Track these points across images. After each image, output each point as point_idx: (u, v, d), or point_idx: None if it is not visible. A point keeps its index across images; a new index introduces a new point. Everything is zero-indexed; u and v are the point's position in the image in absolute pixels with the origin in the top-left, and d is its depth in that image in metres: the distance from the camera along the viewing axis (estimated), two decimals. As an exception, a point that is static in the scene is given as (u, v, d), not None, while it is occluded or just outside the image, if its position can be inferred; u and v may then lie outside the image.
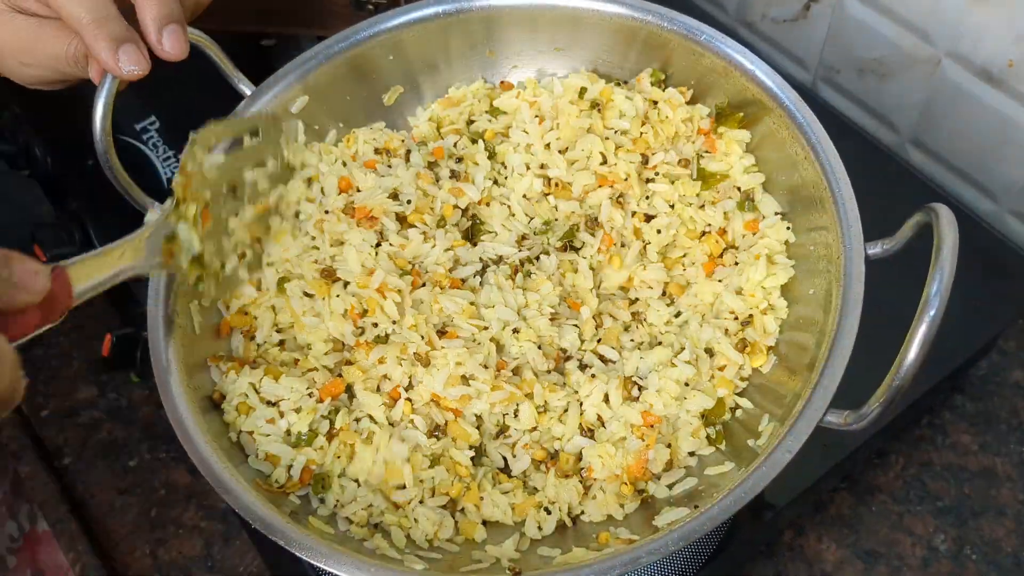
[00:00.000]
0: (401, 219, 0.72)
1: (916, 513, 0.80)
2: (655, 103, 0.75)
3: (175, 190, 0.59)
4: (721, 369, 0.66)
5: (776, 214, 0.71)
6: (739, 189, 0.73)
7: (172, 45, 0.64)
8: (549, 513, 0.62)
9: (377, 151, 0.75)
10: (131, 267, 0.57)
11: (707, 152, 0.74)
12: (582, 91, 0.75)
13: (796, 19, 1.03)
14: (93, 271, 0.55)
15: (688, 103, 0.75)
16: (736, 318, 0.67)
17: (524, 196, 0.73)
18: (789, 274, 0.67)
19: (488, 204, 0.74)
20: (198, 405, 0.62)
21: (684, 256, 0.72)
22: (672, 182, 0.73)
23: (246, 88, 0.73)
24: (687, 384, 0.65)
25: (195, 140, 0.61)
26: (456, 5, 0.75)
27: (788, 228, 0.69)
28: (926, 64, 0.91)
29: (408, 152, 0.75)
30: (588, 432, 0.65)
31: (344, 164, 0.75)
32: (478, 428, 0.65)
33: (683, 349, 0.67)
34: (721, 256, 0.71)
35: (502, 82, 0.80)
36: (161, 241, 0.59)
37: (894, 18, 0.91)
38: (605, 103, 0.75)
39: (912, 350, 0.51)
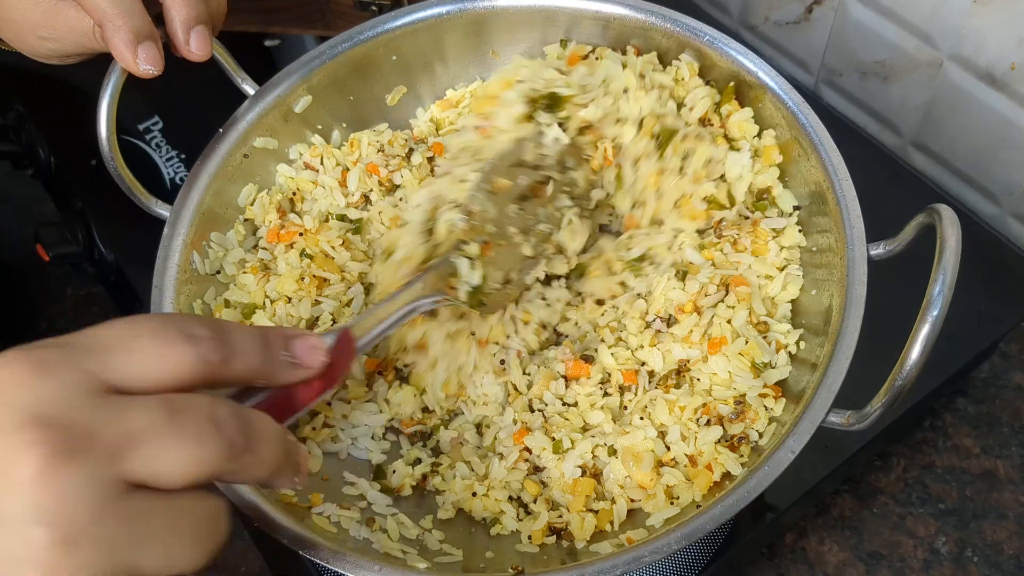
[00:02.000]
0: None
1: (918, 515, 0.80)
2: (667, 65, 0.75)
3: (463, 230, 0.64)
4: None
5: (795, 208, 0.70)
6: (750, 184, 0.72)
7: (198, 46, 0.65)
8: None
9: (381, 150, 0.75)
10: (412, 307, 0.60)
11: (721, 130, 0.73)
12: (563, 43, 0.76)
13: (798, 22, 1.03)
14: (374, 322, 0.57)
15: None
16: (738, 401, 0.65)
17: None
18: (799, 284, 0.67)
19: None
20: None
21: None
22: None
23: (249, 88, 0.74)
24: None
25: (480, 186, 0.66)
26: (459, 6, 0.75)
27: (800, 231, 0.69)
28: (928, 67, 0.91)
29: (410, 151, 0.76)
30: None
31: (346, 169, 0.76)
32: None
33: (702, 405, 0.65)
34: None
35: None
36: (443, 276, 0.62)
37: (896, 21, 0.91)
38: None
39: (915, 350, 0.51)
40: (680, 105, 0.73)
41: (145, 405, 0.38)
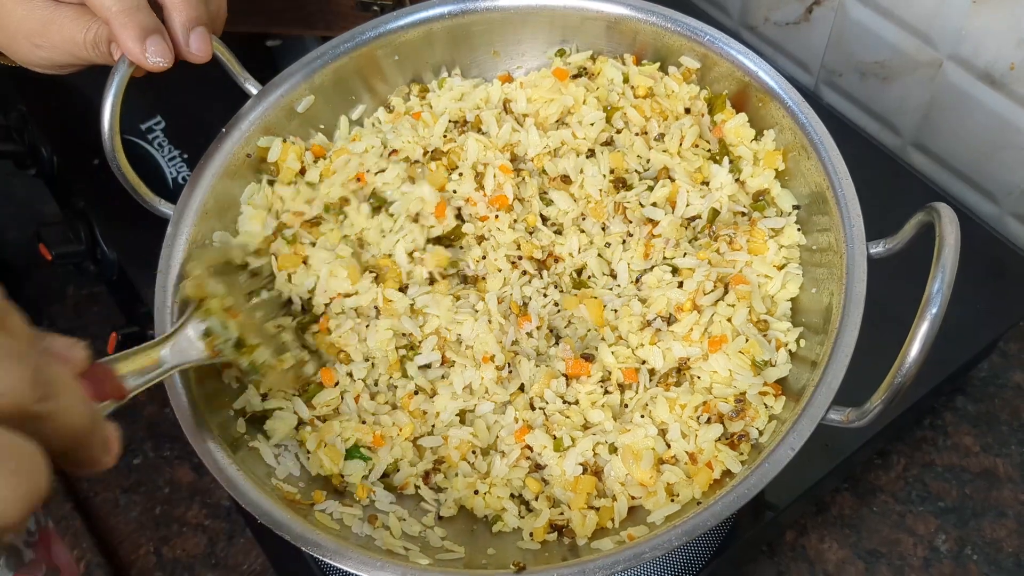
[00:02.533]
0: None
1: (918, 513, 0.81)
2: (664, 74, 0.75)
3: (189, 292, 0.63)
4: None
5: (794, 207, 0.70)
6: (741, 182, 0.72)
7: (198, 47, 0.66)
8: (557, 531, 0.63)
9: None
10: (178, 363, 0.59)
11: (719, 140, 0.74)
12: (560, 52, 0.76)
13: (798, 22, 1.03)
14: (138, 365, 0.56)
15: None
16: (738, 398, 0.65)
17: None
18: (799, 283, 0.68)
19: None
20: (203, 402, 0.62)
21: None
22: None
23: (252, 87, 0.74)
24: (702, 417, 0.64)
25: (191, 255, 0.66)
26: (460, 6, 0.76)
27: (800, 230, 0.69)
28: (928, 67, 0.91)
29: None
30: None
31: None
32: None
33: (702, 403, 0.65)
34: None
35: (505, 74, 0.80)
36: (200, 337, 0.61)
37: (896, 21, 0.92)
38: (596, 73, 0.75)
39: (914, 347, 0.52)
40: (663, 135, 0.73)
41: None
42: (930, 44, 0.90)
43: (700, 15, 0.80)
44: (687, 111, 0.74)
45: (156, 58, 0.64)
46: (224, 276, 0.66)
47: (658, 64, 0.76)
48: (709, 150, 0.73)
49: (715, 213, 0.70)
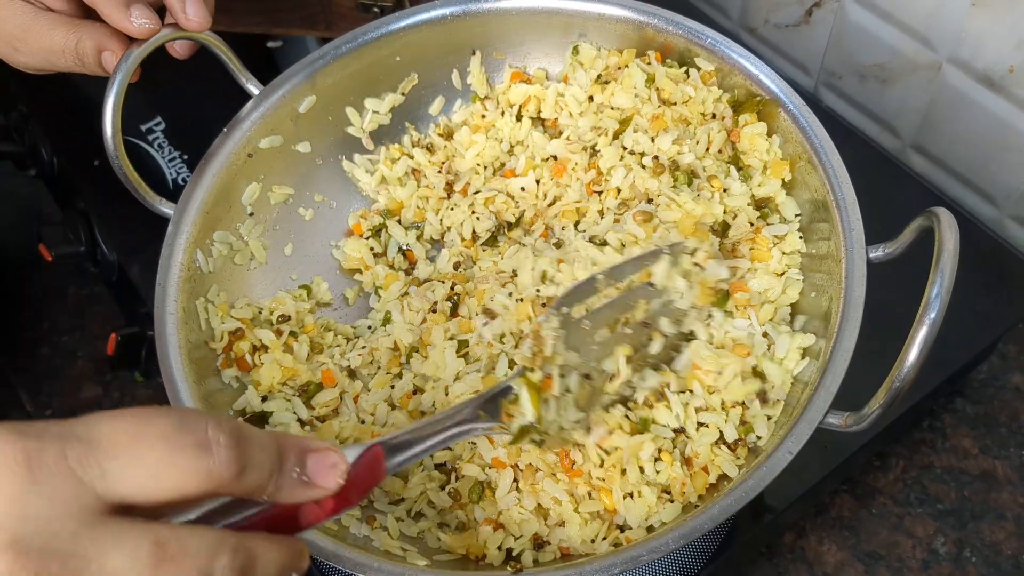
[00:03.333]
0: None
1: (916, 516, 0.81)
2: (687, 74, 0.74)
3: (526, 357, 0.58)
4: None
5: (796, 215, 0.70)
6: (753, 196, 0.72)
7: (195, 12, 0.66)
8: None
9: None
10: (464, 430, 0.54)
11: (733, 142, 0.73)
12: (575, 49, 0.77)
13: (798, 24, 1.03)
14: (414, 444, 0.51)
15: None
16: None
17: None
18: (799, 288, 0.68)
19: None
20: (203, 402, 0.62)
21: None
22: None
23: (254, 88, 0.74)
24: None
25: (561, 305, 0.59)
26: (463, 7, 0.76)
27: (801, 237, 0.69)
28: (927, 69, 0.91)
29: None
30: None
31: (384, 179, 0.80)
32: None
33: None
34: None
35: (514, 72, 0.81)
36: (502, 401, 0.57)
37: (896, 24, 0.92)
38: (623, 65, 0.75)
39: (912, 352, 0.52)
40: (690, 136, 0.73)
41: (133, 547, 0.35)
42: (929, 46, 0.90)
43: (699, 17, 0.80)
44: (713, 116, 0.73)
45: (141, 20, 0.64)
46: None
47: (685, 68, 0.75)
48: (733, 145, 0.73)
49: (726, 226, 0.70)
